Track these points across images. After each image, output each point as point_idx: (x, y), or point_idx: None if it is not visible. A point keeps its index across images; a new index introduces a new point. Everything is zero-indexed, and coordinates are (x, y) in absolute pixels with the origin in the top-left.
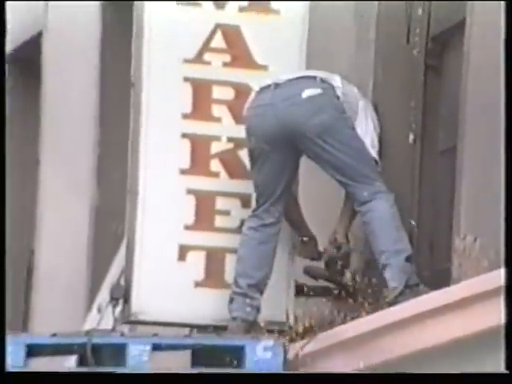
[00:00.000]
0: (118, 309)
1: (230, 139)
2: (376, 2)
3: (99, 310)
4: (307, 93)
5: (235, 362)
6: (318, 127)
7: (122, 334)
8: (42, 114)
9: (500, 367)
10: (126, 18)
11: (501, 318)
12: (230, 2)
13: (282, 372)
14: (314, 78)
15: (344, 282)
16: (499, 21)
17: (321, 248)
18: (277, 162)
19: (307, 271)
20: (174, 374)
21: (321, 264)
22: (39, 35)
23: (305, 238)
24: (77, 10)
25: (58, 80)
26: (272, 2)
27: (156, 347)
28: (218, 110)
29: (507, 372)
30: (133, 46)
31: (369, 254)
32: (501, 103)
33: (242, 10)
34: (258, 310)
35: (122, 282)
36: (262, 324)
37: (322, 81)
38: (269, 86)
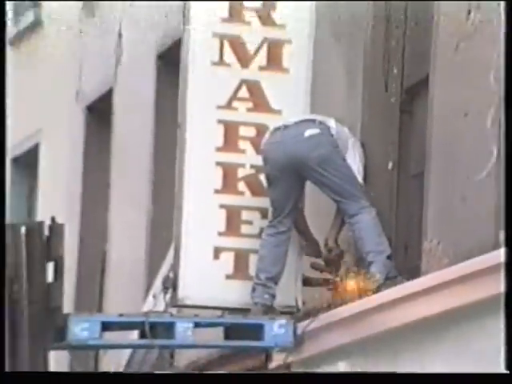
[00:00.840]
0: (168, 295)
1: (252, 166)
2: (362, 61)
3: (154, 297)
4: (309, 132)
5: (257, 336)
6: (317, 159)
7: (172, 315)
8: (112, 150)
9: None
10: (174, 76)
11: (458, 301)
12: (252, 62)
13: (282, 372)
14: (314, 120)
15: (340, 274)
16: (454, 75)
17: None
18: (286, 186)
19: (313, 266)
20: (174, 374)
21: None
22: (110, 91)
23: (308, 242)
24: (138, 72)
25: (123, 125)
26: (284, 62)
27: (197, 324)
28: (243, 145)
29: (507, 372)
30: (179, 97)
31: (357, 254)
32: (455, 139)
33: (261, 68)
34: (273, 296)
35: (171, 275)
36: (277, 307)
37: (320, 123)
38: (279, 127)
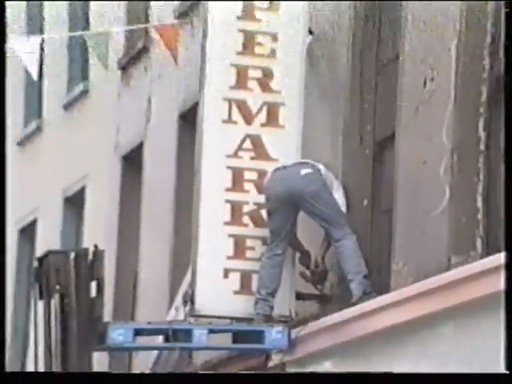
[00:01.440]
0: (187, 308)
1: (254, 203)
2: (342, 119)
3: (176, 309)
4: (304, 171)
5: (259, 340)
6: (310, 193)
7: (190, 323)
8: (142, 192)
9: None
10: (193, 132)
11: (419, 312)
12: (255, 120)
13: (283, 372)
14: (308, 163)
15: (324, 291)
16: (414, 131)
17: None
18: (284, 215)
19: (302, 275)
20: (174, 374)
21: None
22: (141, 144)
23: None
24: (163, 129)
25: (151, 171)
26: (280, 120)
27: (211, 331)
28: (247, 186)
29: (507, 372)
30: (196, 148)
31: (340, 272)
32: (416, 182)
33: (262, 125)
34: (272, 308)
35: (190, 291)
36: (274, 317)
37: (312, 165)
38: (280, 167)
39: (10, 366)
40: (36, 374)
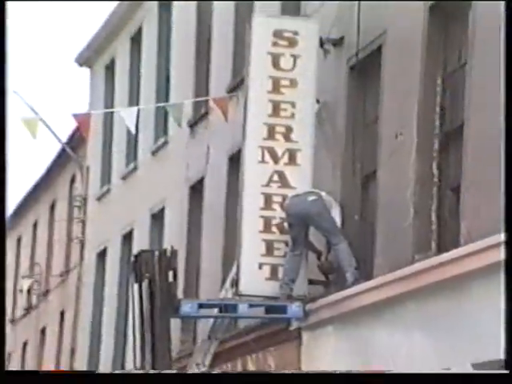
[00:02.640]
0: (234, 289)
1: (280, 218)
2: (340, 160)
3: (226, 290)
4: (310, 198)
5: (283, 312)
6: (315, 213)
7: (236, 300)
8: (203, 211)
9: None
10: (238, 169)
11: (393, 292)
12: (280, 160)
13: (283, 372)
14: (313, 192)
15: (330, 279)
16: (390, 170)
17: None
18: (298, 228)
19: (318, 267)
20: (173, 374)
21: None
22: (203, 178)
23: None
24: (217, 168)
25: (211, 197)
26: (297, 161)
27: (250, 305)
28: (275, 206)
29: (507, 372)
30: (239, 182)
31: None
32: (392, 203)
33: (285, 164)
34: (292, 290)
35: (235, 277)
36: (294, 296)
37: (316, 193)
38: (294, 195)
39: (113, 366)
40: (36, 374)
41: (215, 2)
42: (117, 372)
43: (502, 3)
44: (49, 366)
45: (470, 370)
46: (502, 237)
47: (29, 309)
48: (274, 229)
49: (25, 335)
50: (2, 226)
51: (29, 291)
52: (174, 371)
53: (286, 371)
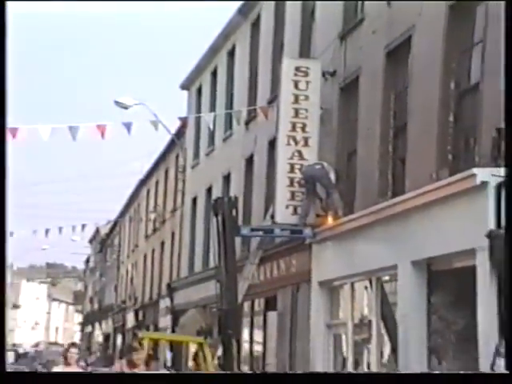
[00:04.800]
0: (271, 220)
1: (299, 178)
2: (334, 149)
3: (267, 220)
4: (317, 167)
5: (301, 233)
6: (320, 176)
7: (272, 225)
8: (253, 179)
9: None
10: (273, 153)
11: (372, 218)
12: (299, 144)
13: (283, 372)
14: (319, 163)
15: (328, 214)
16: (368, 147)
17: None
18: (309, 184)
19: (322, 208)
20: (176, 374)
21: None
22: (252, 155)
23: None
24: (261, 151)
25: (259, 165)
26: (310, 145)
27: (282, 229)
28: (297, 172)
29: (507, 372)
30: (276, 159)
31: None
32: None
33: (303, 146)
34: (306, 220)
35: (272, 213)
36: (307, 224)
37: (321, 163)
38: (308, 165)
39: (202, 265)
40: (36, 374)
41: (261, 46)
42: (117, 372)
43: (502, 3)
44: (165, 265)
45: (470, 371)
46: (430, 187)
47: (154, 230)
48: (296, 184)
49: (153, 245)
50: (2, 225)
51: (154, 220)
52: (174, 371)
53: (285, 371)
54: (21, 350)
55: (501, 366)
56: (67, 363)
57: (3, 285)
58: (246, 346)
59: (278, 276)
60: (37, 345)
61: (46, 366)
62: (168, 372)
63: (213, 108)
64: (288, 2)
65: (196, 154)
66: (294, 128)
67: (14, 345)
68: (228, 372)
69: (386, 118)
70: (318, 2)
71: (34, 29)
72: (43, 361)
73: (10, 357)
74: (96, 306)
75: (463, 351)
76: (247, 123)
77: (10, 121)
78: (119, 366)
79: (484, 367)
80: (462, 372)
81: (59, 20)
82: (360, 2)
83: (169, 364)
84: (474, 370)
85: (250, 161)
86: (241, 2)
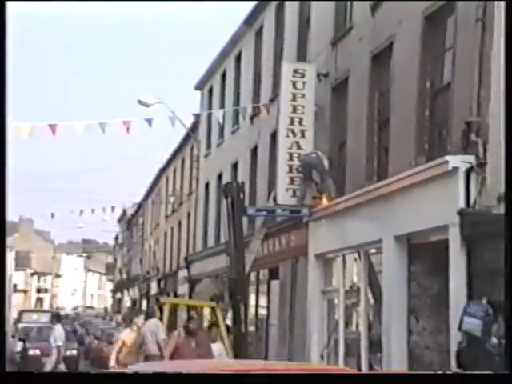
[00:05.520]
0: (274, 202)
1: (297, 165)
2: (327, 140)
3: (270, 201)
4: (313, 155)
5: (299, 213)
6: (315, 163)
7: (275, 206)
8: (258, 162)
9: None
10: (274, 145)
11: (359, 200)
12: (297, 137)
13: (284, 372)
14: (314, 152)
15: (323, 196)
16: (357, 141)
17: None
18: (306, 171)
19: (318, 191)
20: (176, 374)
21: None
22: (256, 146)
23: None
24: (264, 142)
25: (262, 152)
26: (306, 137)
27: (283, 209)
28: (295, 160)
29: (507, 372)
30: (276, 151)
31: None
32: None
33: (300, 137)
34: (303, 201)
35: (274, 196)
36: (304, 204)
37: (315, 152)
38: (305, 154)
39: (215, 242)
40: (36, 374)
41: (264, 52)
42: (116, 372)
43: (502, 3)
44: (182, 241)
45: (470, 371)
46: (409, 172)
47: (173, 211)
48: (294, 171)
49: (171, 224)
50: (2, 225)
51: (173, 203)
52: (174, 371)
53: (286, 372)
54: (62, 313)
55: (468, 323)
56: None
57: (3, 284)
58: (252, 310)
59: (279, 250)
60: (75, 308)
61: (83, 325)
62: (168, 372)
63: (222, 105)
64: (287, 13)
65: (208, 146)
66: (292, 122)
67: (57, 308)
68: (227, 372)
69: (371, 113)
70: (312, 13)
71: (63, 30)
72: (81, 321)
73: (53, 317)
74: (124, 276)
75: (437, 312)
76: (252, 118)
77: (48, 119)
78: (177, 333)
79: (454, 325)
80: (461, 372)
81: (87, 21)
82: (349, 13)
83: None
84: (445, 327)
85: (254, 151)
86: (246, 14)
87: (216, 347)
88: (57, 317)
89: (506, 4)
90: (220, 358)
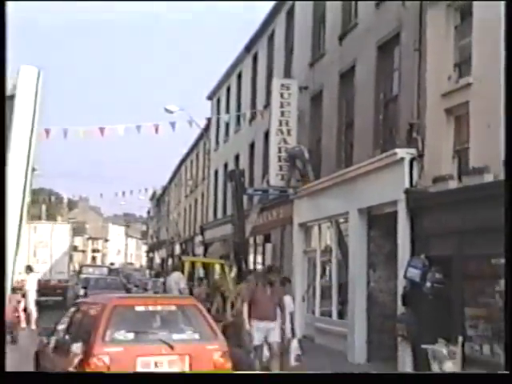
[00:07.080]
0: (267, 184)
1: (284, 156)
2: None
3: (264, 184)
4: (296, 148)
5: (286, 192)
6: (299, 154)
7: (268, 187)
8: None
9: None
10: (266, 136)
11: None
12: (288, 135)
13: (284, 372)
14: (298, 145)
15: (305, 179)
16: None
17: None
18: (291, 160)
19: (300, 174)
20: (177, 374)
21: None
22: (253, 143)
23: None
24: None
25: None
26: (292, 135)
27: (274, 190)
28: (282, 151)
29: (507, 372)
30: (269, 143)
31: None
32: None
33: (288, 135)
34: (290, 183)
35: (267, 180)
36: (291, 186)
37: (299, 146)
38: (290, 147)
39: (222, 215)
40: (36, 374)
41: (259, 71)
42: (116, 372)
43: (502, 3)
44: (198, 214)
45: (470, 371)
46: (368, 161)
47: (191, 192)
48: (282, 160)
49: (189, 202)
50: (2, 222)
51: (191, 185)
52: (175, 371)
53: (285, 371)
54: (112, 267)
55: (411, 272)
56: None
57: (3, 284)
58: (251, 266)
59: (271, 220)
60: (120, 264)
61: (125, 277)
62: (170, 372)
63: (228, 111)
64: (276, 42)
65: (217, 142)
66: (280, 124)
67: (111, 263)
68: (228, 372)
69: (340, 117)
70: (295, 40)
71: (101, 40)
72: (124, 274)
73: (104, 270)
74: (155, 240)
75: (389, 264)
76: (250, 121)
77: (96, 123)
78: (254, 282)
79: (401, 274)
80: (461, 372)
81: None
82: (322, 42)
83: (202, 275)
84: (394, 275)
85: (252, 146)
86: (245, 42)
87: (288, 299)
88: (108, 270)
89: (506, 4)
90: (289, 310)
